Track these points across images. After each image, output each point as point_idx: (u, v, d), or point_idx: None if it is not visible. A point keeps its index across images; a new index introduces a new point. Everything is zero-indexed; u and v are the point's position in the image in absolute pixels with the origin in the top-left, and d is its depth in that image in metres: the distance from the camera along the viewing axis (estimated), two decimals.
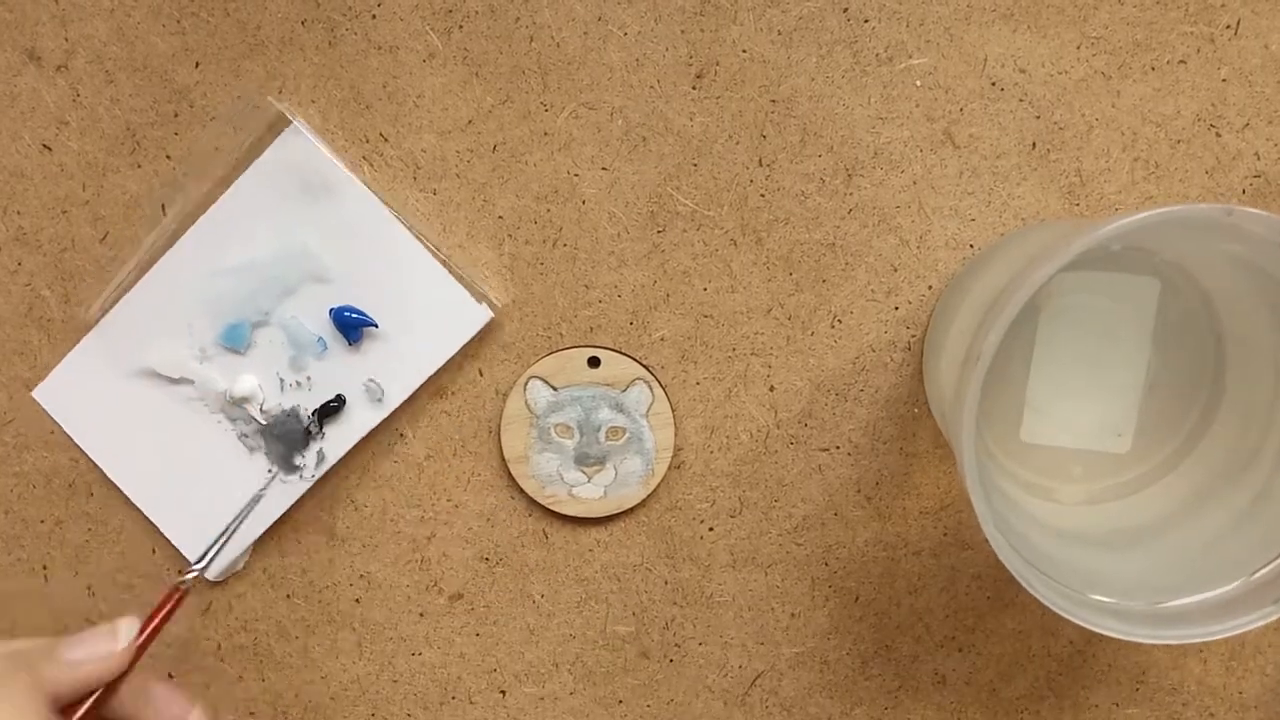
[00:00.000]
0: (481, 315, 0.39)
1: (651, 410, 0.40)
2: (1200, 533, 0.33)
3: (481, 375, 0.41)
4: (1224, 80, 0.37)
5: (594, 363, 0.40)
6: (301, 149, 0.38)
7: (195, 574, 0.36)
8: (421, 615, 0.43)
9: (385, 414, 0.40)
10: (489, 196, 0.39)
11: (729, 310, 0.40)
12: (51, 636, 0.43)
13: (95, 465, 0.42)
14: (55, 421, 0.42)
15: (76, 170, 0.40)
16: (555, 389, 0.40)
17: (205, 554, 0.38)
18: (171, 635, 0.44)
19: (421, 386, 0.40)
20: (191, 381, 0.41)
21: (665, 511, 0.42)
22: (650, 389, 0.40)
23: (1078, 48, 0.37)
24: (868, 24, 0.37)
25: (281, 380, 0.40)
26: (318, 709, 0.44)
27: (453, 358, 0.40)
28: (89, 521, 0.43)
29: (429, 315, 0.39)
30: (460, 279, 0.39)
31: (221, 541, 0.39)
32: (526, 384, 0.40)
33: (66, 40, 0.39)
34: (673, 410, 0.40)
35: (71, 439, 0.42)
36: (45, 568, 0.43)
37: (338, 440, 0.41)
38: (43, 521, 0.43)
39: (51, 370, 0.41)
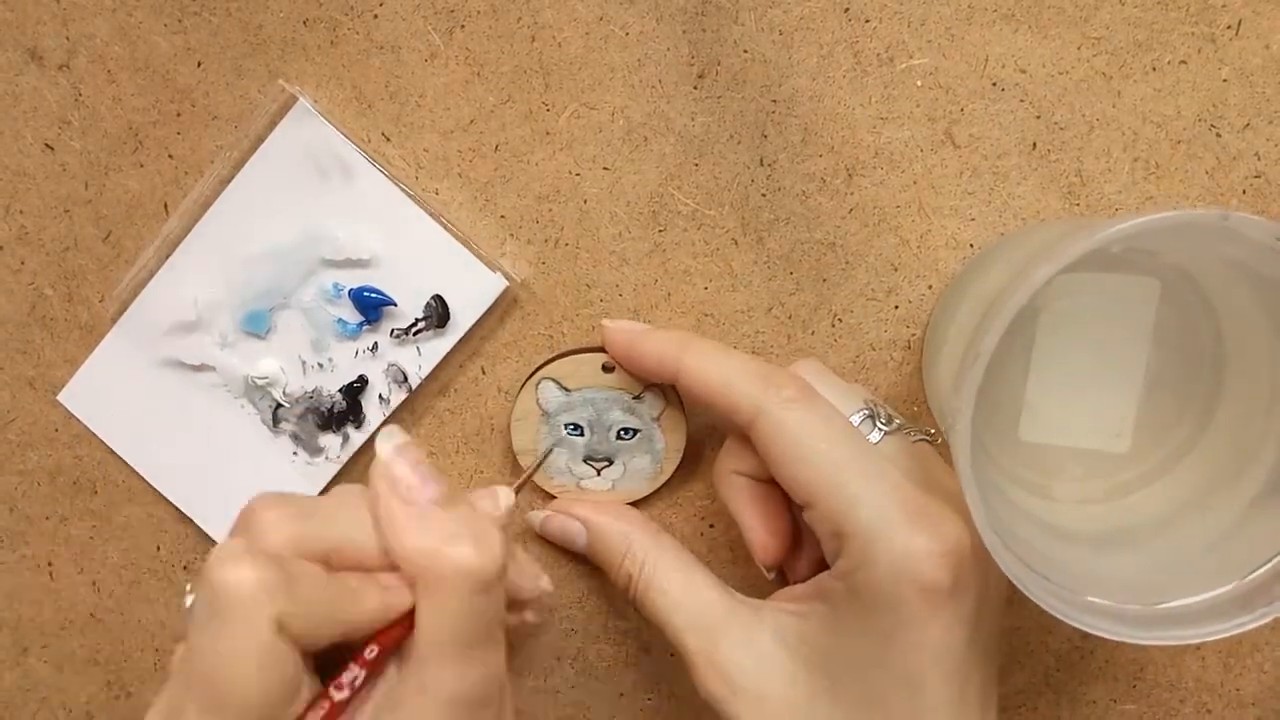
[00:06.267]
0: (497, 284, 0.39)
1: (664, 414, 0.40)
2: (1198, 533, 0.33)
3: (484, 374, 0.41)
4: (1225, 81, 0.37)
5: (608, 369, 0.39)
6: (310, 127, 0.38)
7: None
8: None
9: (407, 393, 0.40)
10: (491, 196, 0.39)
11: (730, 309, 0.40)
12: (59, 626, 0.44)
13: (100, 462, 0.42)
14: (80, 422, 0.42)
15: (79, 170, 0.40)
16: (568, 390, 0.40)
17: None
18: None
19: (423, 385, 0.40)
20: (213, 368, 0.41)
21: (668, 508, 0.42)
22: (664, 394, 0.39)
23: (1078, 48, 0.37)
24: (869, 24, 0.37)
25: (304, 363, 0.41)
26: None
27: (454, 357, 0.40)
28: (93, 519, 0.43)
29: (445, 288, 0.39)
30: (473, 251, 0.39)
31: None
32: (539, 384, 0.40)
33: (68, 39, 0.39)
34: (685, 416, 0.40)
35: (99, 438, 0.42)
36: (50, 564, 0.44)
37: (362, 421, 0.41)
38: (47, 518, 0.43)
39: (59, 369, 0.41)
